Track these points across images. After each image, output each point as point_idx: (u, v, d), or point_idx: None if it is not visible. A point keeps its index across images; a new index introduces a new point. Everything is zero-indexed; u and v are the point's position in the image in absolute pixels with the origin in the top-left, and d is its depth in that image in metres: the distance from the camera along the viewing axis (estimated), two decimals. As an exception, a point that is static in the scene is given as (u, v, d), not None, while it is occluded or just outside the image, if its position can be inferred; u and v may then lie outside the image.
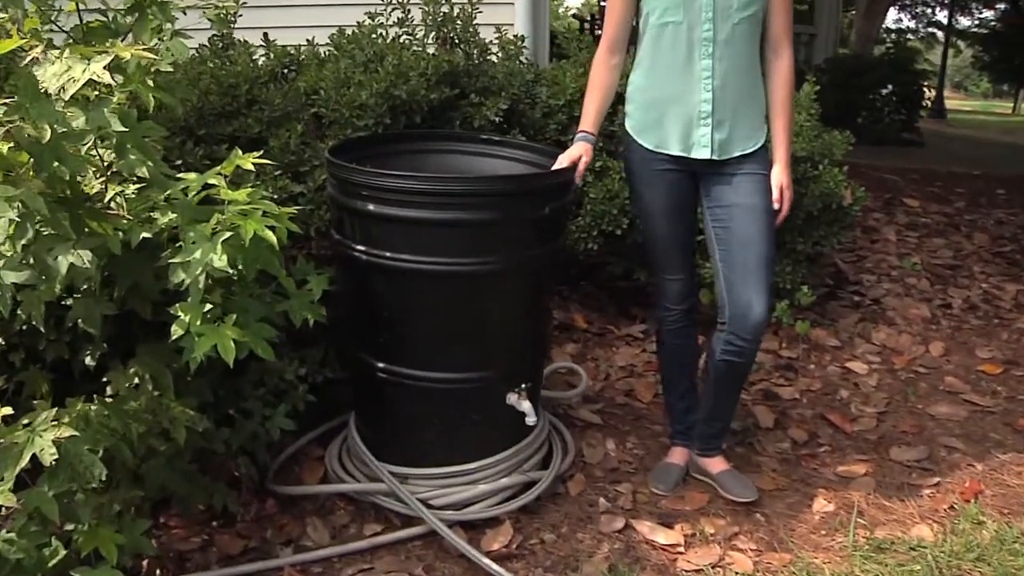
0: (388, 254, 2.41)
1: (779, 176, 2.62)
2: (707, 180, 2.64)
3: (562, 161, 2.58)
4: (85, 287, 2.08)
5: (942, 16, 23.73)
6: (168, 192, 2.02)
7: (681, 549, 2.59)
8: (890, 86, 10.87)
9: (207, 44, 3.52)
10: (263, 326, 2.11)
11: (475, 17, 3.67)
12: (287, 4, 4.32)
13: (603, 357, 3.85)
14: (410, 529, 2.57)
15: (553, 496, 2.81)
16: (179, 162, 2.88)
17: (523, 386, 2.62)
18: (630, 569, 2.49)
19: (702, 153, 2.56)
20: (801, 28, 10.56)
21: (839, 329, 4.23)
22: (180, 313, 1.98)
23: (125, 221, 2.00)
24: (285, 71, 3.49)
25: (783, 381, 3.71)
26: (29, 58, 1.94)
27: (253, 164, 2.13)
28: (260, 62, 3.45)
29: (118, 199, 2.04)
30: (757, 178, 2.60)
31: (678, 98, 2.55)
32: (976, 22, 23.75)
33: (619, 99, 2.81)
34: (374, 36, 3.54)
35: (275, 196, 2.62)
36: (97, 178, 2.07)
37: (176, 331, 1.97)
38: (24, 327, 2.11)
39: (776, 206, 2.61)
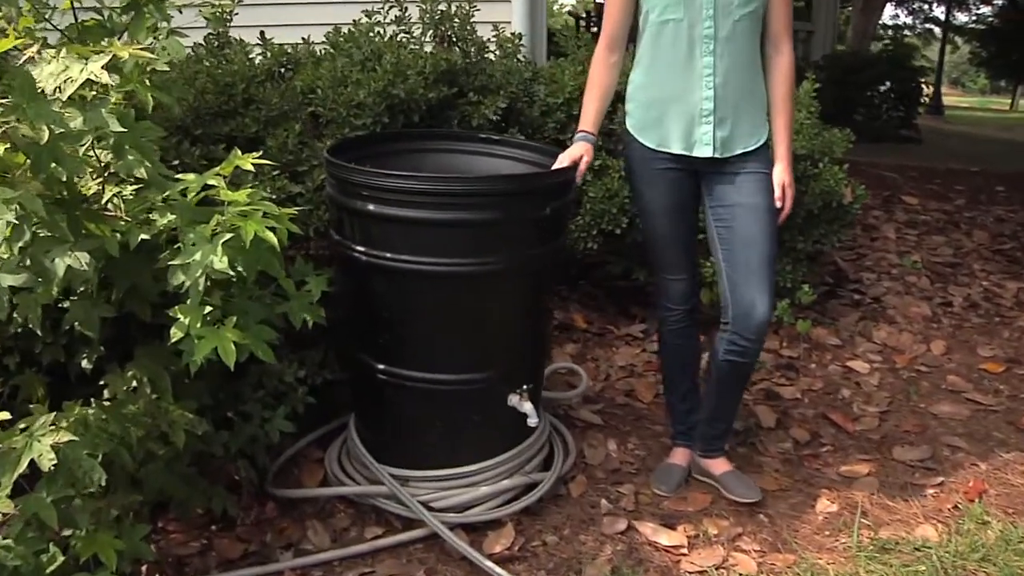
0: (388, 255, 2.39)
1: (781, 174, 2.61)
2: (709, 179, 2.62)
3: (563, 160, 2.56)
4: (82, 289, 2.06)
5: (939, 12, 23.77)
6: (167, 193, 1.99)
7: (684, 550, 2.58)
8: (888, 83, 10.85)
9: (203, 43, 3.50)
10: (263, 328, 2.08)
11: (472, 15, 3.64)
12: (283, 2, 4.30)
13: (603, 357, 3.83)
14: (411, 532, 2.55)
15: (555, 498, 2.79)
16: (176, 162, 2.86)
17: (524, 387, 2.61)
18: (633, 571, 2.47)
19: (704, 151, 2.54)
20: (799, 25, 10.53)
21: (840, 328, 4.21)
22: (180, 315, 1.95)
23: (123, 223, 1.98)
24: (282, 70, 3.47)
25: (784, 381, 3.69)
26: (24, 57, 1.92)
27: (252, 164, 2.11)
28: (257, 61, 3.43)
29: (115, 200, 2.02)
30: (759, 177, 2.58)
31: (679, 96, 2.53)
32: (973, 18, 23.79)
33: (618, 97, 2.79)
34: (371, 34, 3.51)
35: (273, 196, 2.61)
36: (94, 179, 2.05)
37: (176, 334, 1.95)
38: (20, 330, 2.09)
39: (778, 204, 2.60)
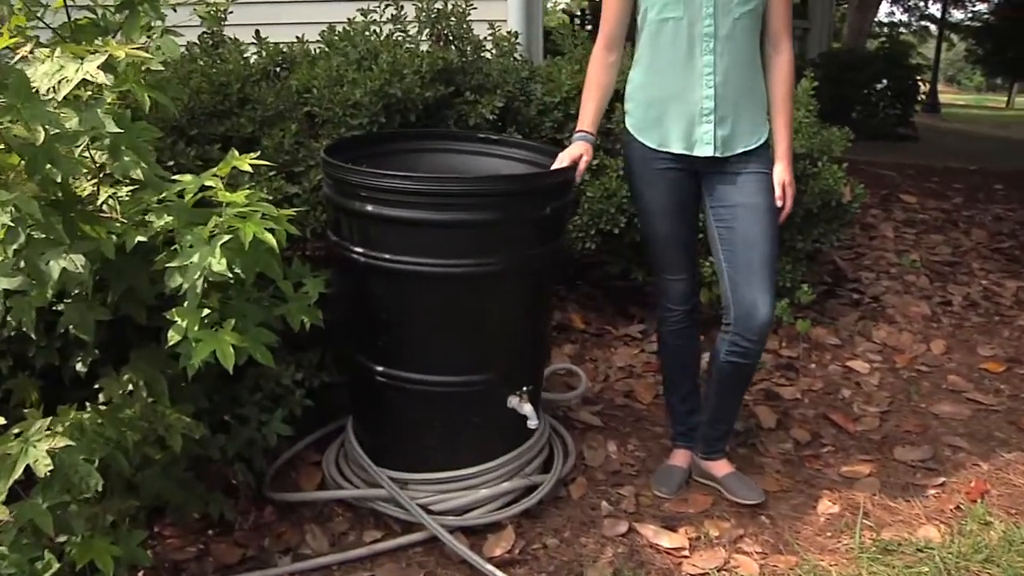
0: (387, 256, 2.37)
1: (781, 173, 2.59)
2: (709, 179, 2.60)
3: (563, 160, 2.54)
4: (77, 292, 2.03)
5: (935, 9, 23.80)
6: (163, 194, 1.97)
7: (686, 552, 2.56)
8: (885, 81, 10.85)
9: (197, 42, 3.47)
10: (262, 331, 2.06)
11: (469, 13, 3.62)
12: (277, 0, 4.27)
13: (601, 358, 3.81)
14: (411, 535, 2.53)
15: (555, 500, 2.77)
16: (171, 163, 2.84)
17: (524, 389, 2.59)
18: (635, 574, 2.45)
19: (705, 151, 2.52)
20: (795, 22, 10.50)
21: (839, 328, 4.20)
22: (177, 318, 1.93)
23: (119, 224, 1.96)
24: (277, 69, 3.45)
25: (784, 381, 3.68)
26: (18, 57, 1.89)
27: (249, 165, 2.09)
28: (252, 60, 3.40)
29: (111, 202, 1.99)
30: (760, 177, 2.57)
31: (679, 95, 2.52)
32: (969, 15, 23.80)
33: (616, 96, 2.77)
34: (367, 33, 3.49)
35: (270, 197, 2.58)
36: (89, 180, 2.02)
37: (173, 337, 1.93)
38: (13, 333, 2.06)
39: (779, 204, 2.58)
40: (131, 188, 2.00)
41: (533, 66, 3.82)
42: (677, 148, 2.55)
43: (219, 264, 1.85)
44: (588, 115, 2.62)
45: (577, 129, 2.62)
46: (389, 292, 2.46)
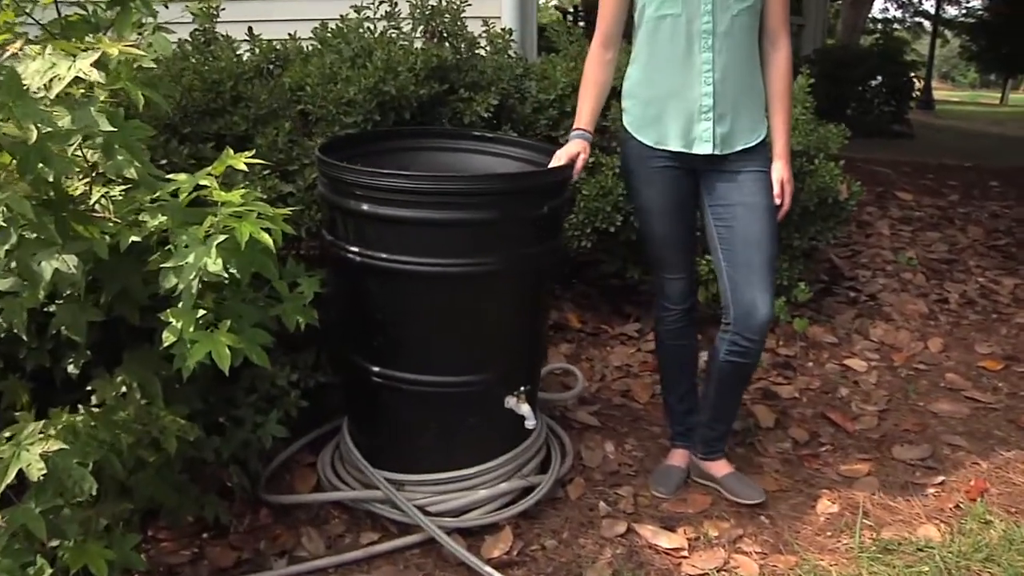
0: (383, 255, 2.35)
1: (780, 171, 2.58)
2: (708, 177, 2.58)
3: (560, 158, 2.52)
4: (69, 293, 2.01)
5: (929, 5, 23.84)
6: (157, 193, 1.94)
7: (685, 553, 2.54)
8: (879, 77, 10.85)
9: (188, 39, 3.44)
10: (258, 332, 2.04)
11: (463, 10, 3.60)
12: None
13: (598, 357, 3.79)
14: (408, 537, 2.51)
15: (552, 501, 2.75)
16: (164, 161, 2.81)
17: (522, 388, 2.57)
18: (634, 574, 2.44)
19: (704, 148, 2.50)
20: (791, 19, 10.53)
21: (836, 326, 4.19)
22: (172, 319, 1.90)
23: (112, 224, 1.93)
24: (270, 67, 3.42)
25: (782, 380, 3.66)
26: (7, 54, 1.86)
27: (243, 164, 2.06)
28: (245, 57, 3.37)
29: (103, 201, 1.97)
30: (759, 176, 2.55)
31: (678, 93, 2.50)
32: (963, 11, 23.83)
33: (612, 94, 2.75)
34: (360, 30, 3.46)
35: (265, 196, 2.56)
36: (81, 179, 2.00)
37: (168, 338, 1.90)
38: (3, 335, 2.03)
39: (777, 202, 2.57)
40: (124, 187, 1.98)
41: (528, 63, 3.80)
42: (675, 146, 2.53)
43: (215, 264, 1.82)
44: (585, 113, 2.60)
45: (574, 127, 2.60)
46: (385, 292, 2.43)
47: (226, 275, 1.86)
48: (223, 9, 3.28)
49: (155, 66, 2.09)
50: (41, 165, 1.74)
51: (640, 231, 2.75)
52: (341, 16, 3.52)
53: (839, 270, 4.83)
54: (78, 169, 1.97)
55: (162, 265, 1.88)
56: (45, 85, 1.77)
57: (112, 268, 1.98)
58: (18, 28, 2.04)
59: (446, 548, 2.41)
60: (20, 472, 1.74)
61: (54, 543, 1.88)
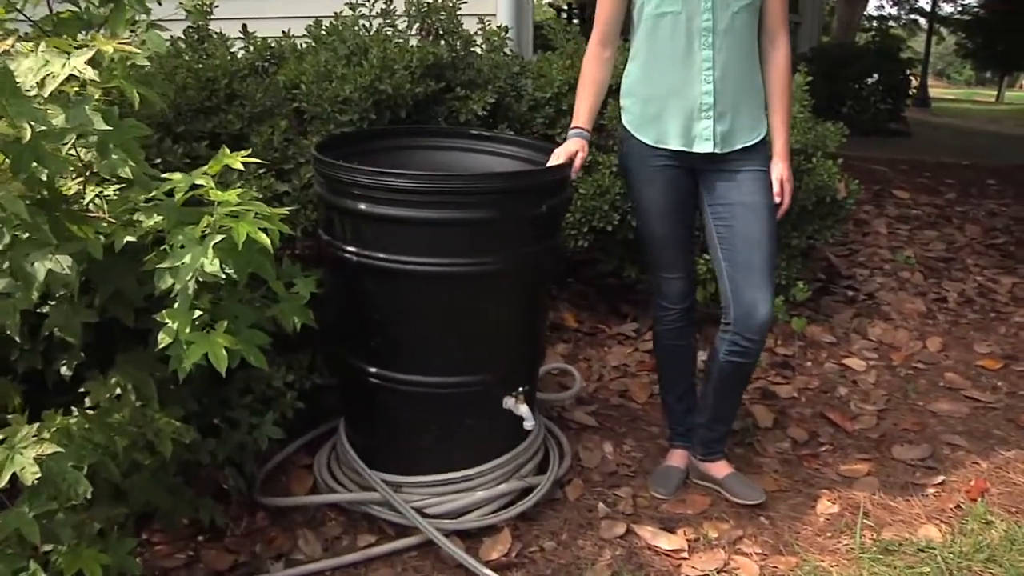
0: (381, 255, 2.33)
1: (779, 169, 2.57)
2: (707, 176, 2.56)
3: (559, 156, 2.50)
4: (62, 294, 1.98)
5: (925, 2, 23.83)
6: (152, 193, 1.92)
7: (685, 554, 2.53)
8: (876, 75, 10.85)
9: (182, 36, 3.41)
10: (255, 332, 2.02)
11: (459, 8, 3.57)
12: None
13: (595, 357, 3.77)
14: (405, 539, 2.49)
15: (551, 502, 2.73)
16: (158, 161, 2.78)
17: (520, 389, 2.55)
18: (633, 577, 2.42)
19: (704, 147, 2.48)
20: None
21: (834, 325, 4.17)
22: (167, 320, 1.88)
23: (106, 224, 1.91)
24: (265, 64, 3.39)
25: (780, 379, 3.64)
26: (-1, 51, 1.84)
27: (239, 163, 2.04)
28: (239, 55, 3.34)
29: (97, 201, 1.94)
30: (758, 175, 2.54)
31: (678, 91, 2.48)
32: (959, 8, 23.83)
33: (609, 92, 2.73)
34: (356, 28, 3.44)
35: (260, 196, 2.53)
36: (74, 179, 1.97)
37: (164, 339, 1.88)
38: (-5, 337, 2.01)
39: (776, 200, 2.56)
40: (119, 187, 1.95)
41: (524, 61, 3.78)
42: (675, 144, 2.51)
43: (212, 265, 1.80)
44: (583, 111, 2.58)
45: (572, 125, 2.58)
46: (382, 292, 2.41)
47: (223, 276, 1.83)
48: (216, 6, 3.26)
49: (149, 64, 2.06)
50: (35, 164, 1.72)
51: (639, 230, 2.73)
52: (335, 13, 3.49)
53: (836, 269, 4.82)
54: (72, 168, 1.95)
55: (158, 265, 1.86)
56: (38, 83, 1.75)
57: (106, 268, 1.96)
58: (9, 25, 2.01)
59: (444, 550, 2.39)
60: (13, 476, 1.71)
61: (47, 548, 1.85)
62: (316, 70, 3.20)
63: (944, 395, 3.57)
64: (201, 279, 1.83)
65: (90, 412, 2.03)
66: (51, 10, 2.13)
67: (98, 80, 1.81)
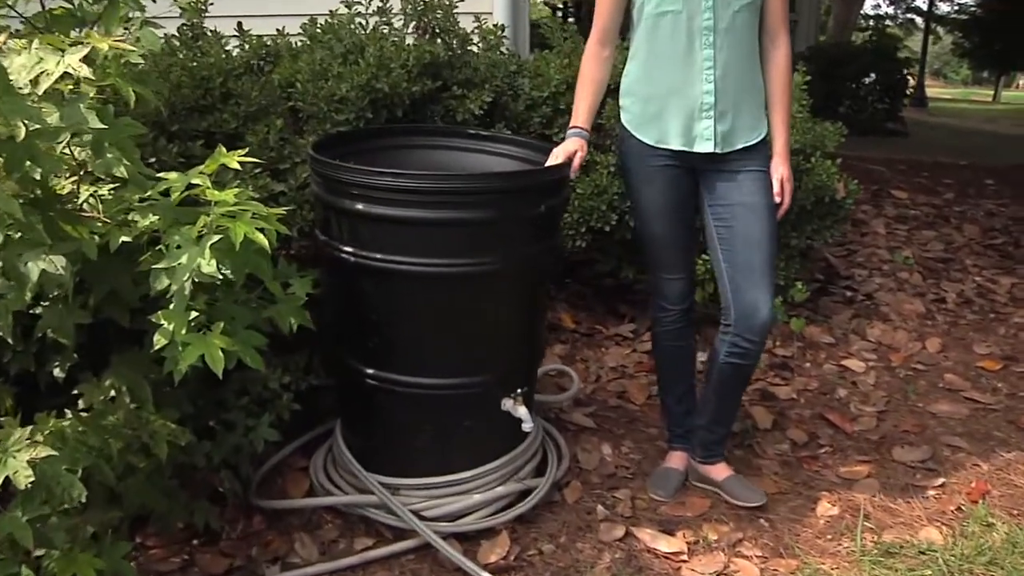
0: (378, 255, 2.31)
1: (779, 169, 2.56)
2: (708, 176, 2.55)
3: (557, 156, 2.48)
4: (56, 294, 1.96)
5: (921, 2, 23.81)
6: (148, 192, 1.90)
7: (685, 557, 2.51)
8: (873, 75, 10.84)
9: (176, 34, 3.38)
10: (252, 334, 1.99)
11: (455, 6, 3.55)
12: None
13: (593, 358, 3.75)
14: (403, 543, 2.47)
15: (549, 504, 2.71)
16: (152, 160, 2.75)
17: (519, 391, 2.53)
18: (633, 580, 2.40)
19: (705, 147, 2.47)
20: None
21: (833, 326, 4.16)
22: (163, 321, 1.86)
23: (101, 224, 1.89)
24: (260, 63, 3.36)
25: (779, 380, 3.63)
26: (-9, 49, 1.81)
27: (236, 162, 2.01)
28: (234, 53, 3.32)
29: (92, 200, 1.92)
30: (759, 175, 2.52)
31: (678, 90, 2.46)
32: (956, 8, 23.82)
33: (607, 91, 2.71)
34: (352, 26, 3.41)
35: (256, 195, 2.51)
36: (68, 178, 1.95)
37: (160, 340, 1.85)
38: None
39: (777, 200, 2.54)
40: (113, 186, 1.93)
41: (521, 60, 3.76)
42: (676, 144, 2.49)
43: (208, 265, 1.78)
44: (582, 111, 2.56)
45: (571, 125, 2.56)
46: (380, 292, 2.39)
47: (220, 276, 1.81)
48: (211, 3, 3.23)
49: (143, 62, 2.03)
50: (29, 163, 1.70)
51: (638, 231, 2.71)
52: (331, 11, 3.47)
53: (835, 269, 4.81)
54: (66, 167, 1.93)
55: (154, 266, 1.84)
56: (32, 81, 1.72)
57: (101, 269, 1.93)
58: (1, 21, 1.98)
59: (442, 553, 2.37)
60: (6, 479, 1.69)
61: (40, 552, 1.83)
62: (312, 69, 3.17)
63: (944, 396, 3.56)
64: (197, 280, 1.81)
65: (84, 414, 2.00)
66: (44, 6, 2.10)
67: (93, 78, 1.78)
